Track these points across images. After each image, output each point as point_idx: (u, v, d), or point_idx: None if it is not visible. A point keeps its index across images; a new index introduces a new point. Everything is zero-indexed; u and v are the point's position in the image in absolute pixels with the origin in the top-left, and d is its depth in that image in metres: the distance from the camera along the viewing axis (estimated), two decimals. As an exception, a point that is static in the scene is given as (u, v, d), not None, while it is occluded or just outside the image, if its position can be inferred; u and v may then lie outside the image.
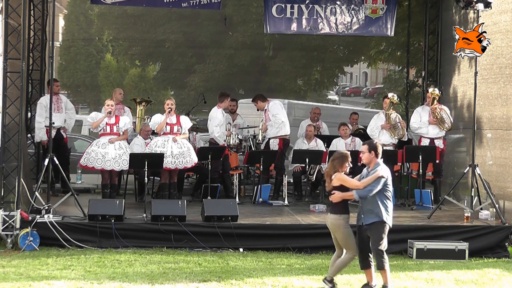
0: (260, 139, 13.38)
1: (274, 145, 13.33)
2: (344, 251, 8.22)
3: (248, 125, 14.44)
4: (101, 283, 8.33)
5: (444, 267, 9.77)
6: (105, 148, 11.64)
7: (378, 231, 8.06)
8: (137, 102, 14.12)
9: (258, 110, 13.62)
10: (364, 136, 13.65)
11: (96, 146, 11.70)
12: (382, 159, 8.30)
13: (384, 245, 8.08)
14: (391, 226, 8.18)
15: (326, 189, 8.34)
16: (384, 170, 8.11)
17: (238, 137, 13.55)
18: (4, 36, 10.83)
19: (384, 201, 8.11)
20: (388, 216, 8.12)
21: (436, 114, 12.90)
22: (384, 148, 12.80)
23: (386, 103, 13.13)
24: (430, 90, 13.14)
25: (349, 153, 8.35)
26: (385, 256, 8.07)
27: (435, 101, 12.92)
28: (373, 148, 8.21)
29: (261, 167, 12.97)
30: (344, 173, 8.20)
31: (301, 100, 25.61)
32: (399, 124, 13.05)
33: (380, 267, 8.06)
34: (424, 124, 12.99)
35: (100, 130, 11.81)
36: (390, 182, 8.18)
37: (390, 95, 13.29)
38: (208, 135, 15.92)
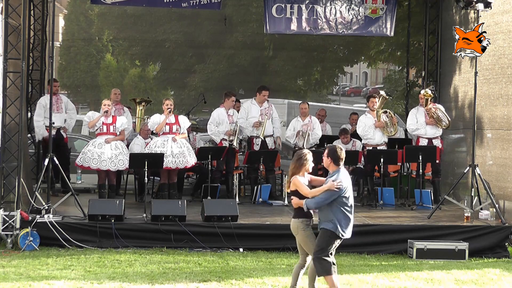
0: (262, 136, 13.30)
1: (272, 143, 13.35)
2: (309, 257, 7.81)
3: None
4: (101, 283, 8.33)
5: (444, 267, 9.77)
6: (101, 148, 11.65)
7: (322, 238, 7.61)
8: (137, 102, 14.12)
9: (261, 101, 13.41)
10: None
11: (92, 145, 11.72)
12: (342, 166, 7.75)
13: (325, 253, 7.55)
14: (342, 237, 7.61)
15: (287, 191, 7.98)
16: (341, 179, 7.58)
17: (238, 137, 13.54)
18: (4, 36, 10.83)
19: (338, 211, 7.58)
20: (339, 227, 7.55)
21: (432, 114, 12.88)
22: (378, 148, 12.91)
23: (373, 102, 13.11)
24: (422, 92, 13.15)
25: (310, 153, 7.87)
26: (324, 263, 7.54)
27: (429, 101, 12.91)
28: (331, 153, 7.73)
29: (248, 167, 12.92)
30: (307, 174, 7.80)
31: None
32: (389, 122, 13.04)
33: (320, 274, 7.64)
34: (421, 125, 12.98)
35: (97, 129, 11.82)
36: (347, 192, 7.62)
37: (382, 92, 13.31)
38: (208, 135, 15.94)
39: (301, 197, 7.70)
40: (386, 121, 13.03)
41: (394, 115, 13.39)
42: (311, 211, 7.74)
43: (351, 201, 7.68)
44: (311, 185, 7.83)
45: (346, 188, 7.60)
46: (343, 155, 7.76)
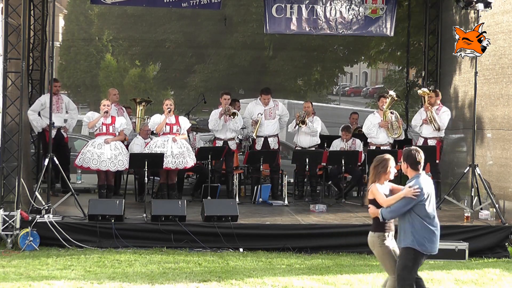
0: (254, 135, 13.30)
1: (275, 143, 13.34)
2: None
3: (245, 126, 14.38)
4: (101, 283, 8.33)
5: (444, 267, 9.76)
6: (101, 149, 11.65)
7: (404, 258, 6.88)
8: (137, 102, 14.11)
9: (266, 104, 13.39)
10: (363, 135, 13.65)
11: (92, 146, 11.72)
12: (422, 171, 6.98)
13: (408, 279, 6.84)
14: (425, 253, 6.88)
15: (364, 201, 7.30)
16: (420, 185, 6.81)
17: (238, 137, 13.54)
18: (4, 36, 10.83)
19: (418, 222, 6.82)
20: (419, 242, 6.80)
21: (428, 113, 12.85)
22: (382, 148, 12.89)
23: (383, 102, 13.09)
24: (419, 92, 13.20)
25: (391, 159, 7.10)
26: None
27: (426, 99, 12.85)
28: (405, 157, 6.94)
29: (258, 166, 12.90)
30: (387, 182, 7.07)
31: (301, 100, 25.60)
32: (396, 123, 13.02)
33: None
34: (419, 122, 12.97)
35: (96, 130, 11.82)
36: (428, 199, 6.82)
37: (391, 92, 13.27)
38: (208, 135, 15.89)
39: (378, 206, 6.98)
40: (392, 122, 12.97)
41: (400, 118, 13.31)
42: (392, 224, 7.04)
43: (431, 211, 6.85)
44: (393, 195, 7.04)
45: (426, 196, 6.80)
46: (420, 158, 6.93)
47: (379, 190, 6.97)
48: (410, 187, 6.81)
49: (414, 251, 6.81)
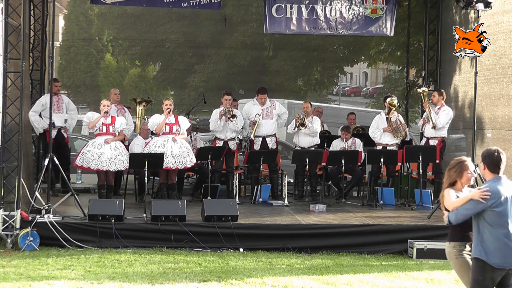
0: (252, 136, 13.30)
1: (273, 143, 13.34)
2: None
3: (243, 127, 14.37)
4: (101, 283, 8.32)
5: (444, 267, 9.75)
6: (101, 149, 11.64)
7: (473, 270, 6.08)
8: (137, 102, 14.12)
9: (262, 104, 13.39)
10: (363, 135, 13.66)
11: (92, 146, 11.70)
12: (503, 175, 6.10)
13: None
14: (496, 266, 5.94)
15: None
16: (493, 189, 5.99)
17: (238, 137, 13.54)
18: (4, 36, 10.83)
19: (483, 229, 6.01)
20: (487, 253, 5.95)
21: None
22: (388, 147, 12.88)
23: (386, 106, 13.09)
24: (419, 90, 13.26)
25: (467, 160, 6.42)
26: None
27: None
28: (484, 157, 6.16)
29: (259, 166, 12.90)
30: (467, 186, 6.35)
31: (301, 100, 25.61)
32: (400, 126, 12.99)
33: None
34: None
35: (96, 130, 11.81)
36: (504, 206, 5.96)
37: (388, 99, 13.20)
38: (208, 135, 15.87)
39: None
40: (398, 125, 12.89)
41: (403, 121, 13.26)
42: (470, 234, 6.22)
43: (507, 220, 5.97)
44: None
45: (498, 202, 5.96)
46: (501, 160, 6.08)
47: (450, 194, 6.28)
48: (479, 189, 6.07)
49: (483, 263, 5.98)
